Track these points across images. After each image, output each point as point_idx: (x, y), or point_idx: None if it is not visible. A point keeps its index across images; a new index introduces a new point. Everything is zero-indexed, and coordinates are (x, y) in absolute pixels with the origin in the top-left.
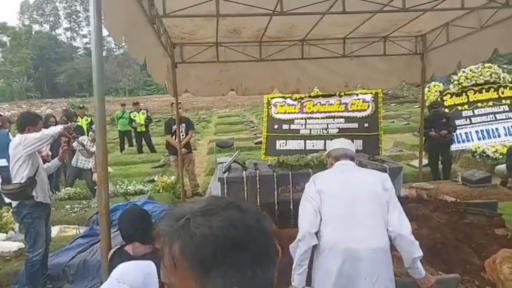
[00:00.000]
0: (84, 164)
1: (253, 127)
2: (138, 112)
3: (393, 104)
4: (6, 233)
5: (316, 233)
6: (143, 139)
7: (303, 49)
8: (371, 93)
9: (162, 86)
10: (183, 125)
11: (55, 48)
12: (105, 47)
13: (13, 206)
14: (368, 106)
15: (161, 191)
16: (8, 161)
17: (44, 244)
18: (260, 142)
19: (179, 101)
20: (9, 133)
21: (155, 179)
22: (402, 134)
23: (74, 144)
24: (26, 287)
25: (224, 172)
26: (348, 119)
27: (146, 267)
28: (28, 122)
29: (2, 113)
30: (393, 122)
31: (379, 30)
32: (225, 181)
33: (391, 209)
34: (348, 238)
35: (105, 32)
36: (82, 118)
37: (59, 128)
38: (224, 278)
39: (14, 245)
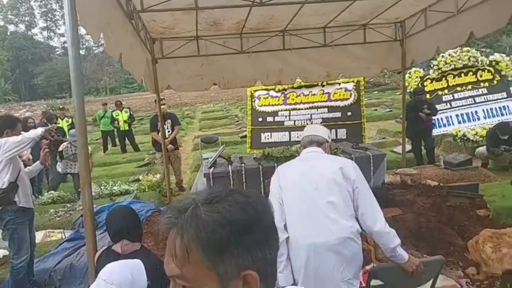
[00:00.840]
0: (72, 169)
1: (238, 121)
2: (121, 111)
3: (375, 92)
4: None
5: (285, 226)
6: (126, 138)
7: (284, 40)
8: (353, 81)
9: (141, 83)
10: (169, 121)
11: (32, 48)
12: (84, 46)
13: None
14: (351, 94)
15: (146, 190)
16: None
17: (29, 250)
18: (245, 136)
19: (162, 97)
20: None
21: (140, 178)
22: (385, 122)
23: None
24: None
25: (210, 167)
26: (331, 109)
27: (134, 266)
28: (6, 125)
29: None
30: (376, 110)
31: (358, 18)
32: (211, 176)
33: (360, 202)
34: (309, 233)
35: (83, 30)
36: (62, 119)
37: (40, 130)
38: (237, 260)
39: None
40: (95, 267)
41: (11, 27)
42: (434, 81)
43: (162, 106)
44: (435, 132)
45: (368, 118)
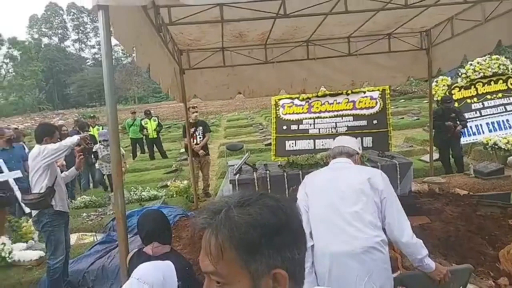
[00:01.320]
0: (106, 170)
1: (262, 129)
2: (150, 120)
3: (402, 100)
4: (26, 242)
5: (311, 233)
6: (154, 145)
7: (308, 50)
8: (378, 90)
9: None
10: (200, 128)
11: (64, 60)
12: (113, 57)
13: (33, 215)
14: (376, 103)
15: (174, 195)
16: (23, 173)
17: (64, 252)
18: (270, 144)
19: (195, 105)
20: (24, 146)
21: (168, 184)
22: (412, 130)
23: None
24: None
25: (235, 174)
26: (356, 117)
27: (165, 267)
28: (46, 133)
29: (16, 127)
30: (403, 118)
31: (382, 28)
32: (236, 182)
33: (388, 213)
34: (333, 241)
35: (112, 42)
36: (93, 127)
37: (75, 138)
38: (268, 260)
39: (35, 254)
40: (127, 268)
41: (45, 40)
42: (462, 89)
43: (195, 114)
44: (464, 140)
45: (394, 127)
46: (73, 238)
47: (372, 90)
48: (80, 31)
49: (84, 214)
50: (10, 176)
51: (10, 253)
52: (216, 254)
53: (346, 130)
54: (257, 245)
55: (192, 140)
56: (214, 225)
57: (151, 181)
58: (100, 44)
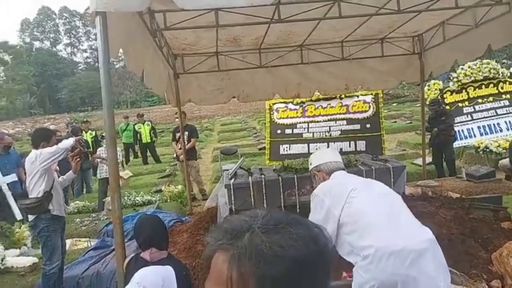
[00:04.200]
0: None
1: (256, 133)
2: (143, 124)
3: (394, 104)
4: (19, 248)
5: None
6: (147, 150)
7: (302, 54)
8: (371, 94)
9: (161, 97)
10: (186, 133)
11: (56, 64)
12: None
13: (29, 220)
14: (369, 107)
15: (168, 200)
16: (18, 177)
17: (60, 257)
18: (264, 148)
19: (183, 110)
20: (15, 150)
21: (162, 189)
22: (405, 134)
23: (96, 157)
24: None
25: (230, 179)
26: (350, 121)
27: (165, 272)
28: (43, 138)
29: (7, 132)
30: (395, 121)
31: (376, 32)
32: (231, 187)
33: None
34: (396, 238)
35: None
36: (86, 132)
37: (71, 141)
38: None
39: (28, 260)
40: (124, 273)
41: (37, 44)
42: (454, 93)
43: (177, 120)
44: (456, 144)
45: (387, 130)
46: (67, 243)
47: (365, 94)
48: (72, 35)
49: (78, 220)
50: (5, 180)
51: (3, 259)
52: (238, 283)
53: (339, 134)
54: (283, 282)
55: (180, 144)
56: (236, 254)
57: (144, 186)
58: (92, 49)
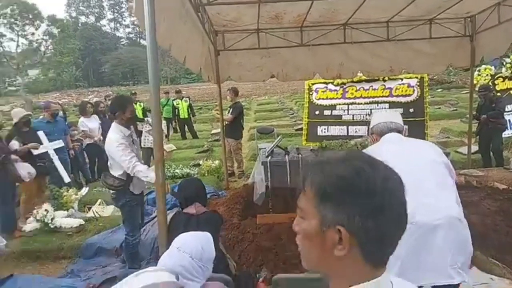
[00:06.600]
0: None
1: (293, 114)
2: (181, 100)
3: (439, 90)
4: (67, 210)
5: None
6: (185, 125)
7: (345, 33)
8: (416, 77)
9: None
10: (230, 109)
11: (100, 38)
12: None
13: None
14: (413, 91)
15: (206, 174)
16: (65, 142)
17: (139, 230)
18: (300, 129)
19: (233, 87)
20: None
21: (200, 163)
22: (449, 121)
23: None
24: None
25: (267, 157)
26: (392, 104)
27: (204, 238)
28: (119, 107)
29: (59, 102)
30: (440, 108)
31: (424, 13)
32: (268, 164)
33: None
34: (417, 211)
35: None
36: (135, 104)
37: (150, 178)
38: (335, 213)
39: (75, 222)
40: (168, 228)
41: (82, 18)
42: (506, 80)
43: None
44: (506, 134)
45: (431, 117)
46: (110, 209)
47: (410, 78)
48: (116, 11)
49: None
50: (52, 146)
51: (52, 219)
52: (303, 190)
53: None
54: (329, 194)
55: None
56: (310, 170)
57: (183, 159)
58: (134, 24)
